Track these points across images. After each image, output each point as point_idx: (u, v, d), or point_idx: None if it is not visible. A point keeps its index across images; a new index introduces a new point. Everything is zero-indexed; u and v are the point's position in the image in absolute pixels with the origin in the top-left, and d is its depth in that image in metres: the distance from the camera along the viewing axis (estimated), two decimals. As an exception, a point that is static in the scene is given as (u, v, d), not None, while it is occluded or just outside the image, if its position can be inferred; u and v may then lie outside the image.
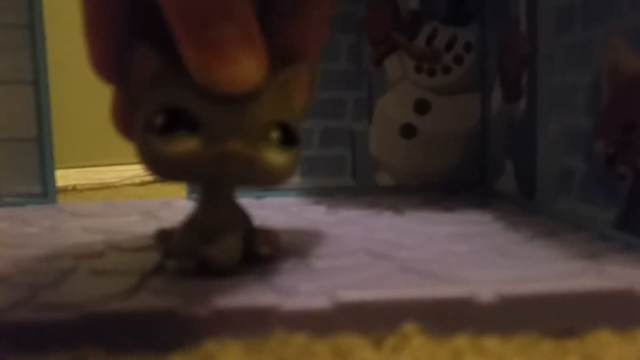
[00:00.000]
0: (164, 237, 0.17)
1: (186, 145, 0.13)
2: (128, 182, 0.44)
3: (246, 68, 0.13)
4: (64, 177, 0.42)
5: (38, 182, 0.30)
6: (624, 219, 0.18)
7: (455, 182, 0.31)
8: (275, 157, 0.14)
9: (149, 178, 0.46)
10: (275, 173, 0.14)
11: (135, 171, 0.48)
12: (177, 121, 0.14)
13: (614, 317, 0.14)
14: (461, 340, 0.13)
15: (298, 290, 0.14)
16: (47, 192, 0.30)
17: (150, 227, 0.23)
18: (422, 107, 0.30)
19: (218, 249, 0.15)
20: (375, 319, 0.14)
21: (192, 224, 0.16)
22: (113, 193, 0.39)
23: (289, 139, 0.15)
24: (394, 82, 0.30)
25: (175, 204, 0.29)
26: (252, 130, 0.14)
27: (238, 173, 0.14)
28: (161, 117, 0.14)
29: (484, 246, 0.18)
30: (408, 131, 0.30)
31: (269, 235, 0.17)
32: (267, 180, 0.15)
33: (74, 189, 0.41)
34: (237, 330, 0.13)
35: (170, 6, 0.13)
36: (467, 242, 0.19)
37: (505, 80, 0.27)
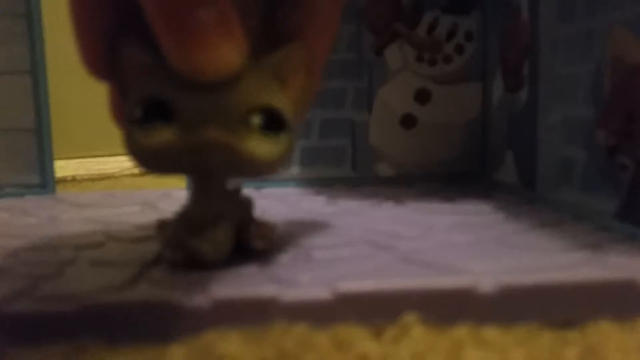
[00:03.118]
0: (162, 227, 0.17)
1: (162, 135, 0.13)
2: (127, 172, 0.44)
3: (223, 54, 0.13)
4: (63, 167, 0.42)
5: (37, 173, 0.30)
6: (626, 210, 0.18)
7: (456, 173, 0.30)
8: (259, 144, 0.14)
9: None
10: (259, 162, 0.14)
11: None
12: (155, 112, 0.14)
13: (615, 308, 0.14)
14: (461, 331, 0.13)
15: (298, 280, 0.14)
16: (46, 183, 0.30)
17: (149, 218, 0.23)
18: (422, 96, 0.30)
19: (206, 242, 0.15)
20: (376, 309, 0.14)
21: (183, 215, 0.16)
22: (112, 183, 0.39)
23: (276, 125, 0.14)
24: (395, 72, 0.30)
25: (175, 194, 0.29)
26: (228, 116, 0.13)
27: (218, 162, 0.14)
28: (139, 108, 0.14)
29: (485, 236, 0.18)
30: (408, 121, 0.30)
31: (263, 228, 0.16)
32: (251, 169, 0.14)
33: (73, 179, 0.41)
34: (237, 321, 0.13)
35: None
36: (467, 233, 0.19)
37: (507, 69, 0.27)
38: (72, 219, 0.23)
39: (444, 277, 0.14)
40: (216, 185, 0.16)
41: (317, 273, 0.15)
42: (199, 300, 0.13)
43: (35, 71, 0.29)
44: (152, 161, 0.14)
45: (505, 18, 0.27)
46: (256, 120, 0.14)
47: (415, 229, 0.20)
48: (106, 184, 0.39)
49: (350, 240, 0.18)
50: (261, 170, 0.14)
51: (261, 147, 0.14)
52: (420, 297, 0.14)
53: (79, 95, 0.54)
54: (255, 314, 0.13)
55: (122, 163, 0.47)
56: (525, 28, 0.24)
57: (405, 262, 0.16)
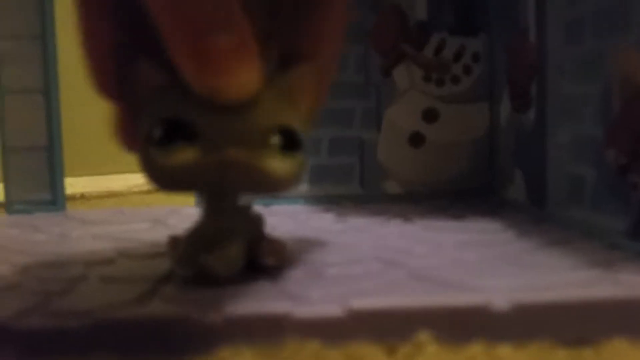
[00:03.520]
0: (174, 244, 0.17)
1: (184, 155, 0.13)
2: (136, 190, 0.44)
3: (242, 77, 0.13)
4: (72, 185, 0.42)
5: (47, 190, 0.30)
6: (636, 228, 0.18)
7: (464, 190, 0.30)
8: (277, 163, 0.14)
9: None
10: (277, 180, 0.14)
11: (143, 179, 0.48)
12: (176, 132, 0.14)
13: (628, 326, 0.14)
14: (475, 349, 0.13)
15: (310, 297, 0.14)
16: (56, 200, 0.30)
17: (159, 235, 0.23)
18: (430, 115, 0.30)
19: (217, 258, 0.15)
20: (389, 327, 0.14)
21: (195, 232, 0.16)
22: (121, 201, 0.40)
23: (291, 144, 0.14)
24: (402, 92, 0.30)
25: (184, 211, 0.29)
26: (250, 136, 0.14)
27: (238, 181, 0.14)
28: (159, 129, 0.14)
29: (496, 254, 0.18)
30: (417, 140, 0.30)
31: (274, 244, 0.16)
32: (270, 188, 0.15)
33: (82, 197, 0.41)
34: (250, 338, 0.13)
35: (163, 18, 0.13)
36: (478, 250, 0.19)
37: (515, 90, 0.27)
38: (83, 235, 0.23)
39: (457, 295, 0.14)
40: (229, 202, 0.16)
41: (329, 290, 0.15)
42: (212, 316, 0.13)
43: (48, 91, 0.30)
44: (173, 181, 0.14)
45: (513, 39, 0.27)
46: (275, 139, 0.14)
47: (425, 247, 0.20)
48: (115, 201, 0.40)
49: (360, 257, 0.18)
50: (279, 188, 0.14)
51: (280, 165, 0.14)
52: (433, 315, 0.14)
53: (87, 113, 0.54)
54: (268, 330, 0.13)
55: (131, 180, 0.47)
56: (532, 50, 0.25)
57: (417, 279, 0.16)
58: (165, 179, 0.14)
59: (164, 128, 0.14)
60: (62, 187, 0.30)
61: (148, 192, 0.44)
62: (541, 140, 0.24)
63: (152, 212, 0.28)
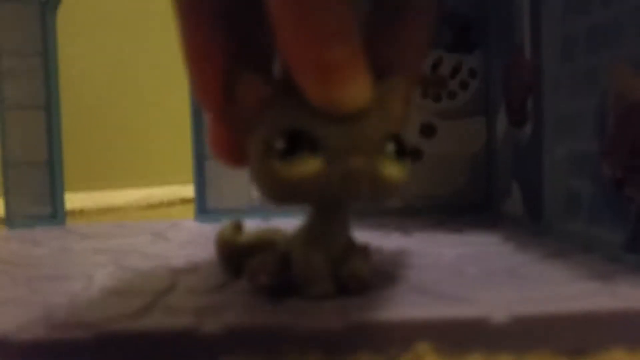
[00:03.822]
0: (263, 269, 0.16)
1: (310, 166, 0.13)
2: (135, 205, 0.44)
3: (358, 88, 0.14)
4: (71, 200, 0.42)
5: (48, 204, 0.30)
6: (634, 241, 0.18)
7: (462, 204, 0.31)
8: (393, 170, 0.14)
9: (156, 201, 0.46)
10: (393, 186, 0.14)
11: (142, 194, 0.48)
12: (297, 144, 0.14)
13: (627, 337, 0.14)
14: (474, 361, 0.13)
15: (310, 309, 0.14)
16: (56, 214, 0.30)
17: (160, 248, 0.23)
18: (427, 131, 0.31)
19: (356, 267, 0.15)
20: (388, 339, 0.14)
21: (317, 247, 0.15)
22: (120, 216, 0.40)
23: (401, 151, 0.15)
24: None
25: (184, 224, 0.29)
26: (370, 145, 0.14)
27: (363, 189, 0.14)
28: (282, 140, 0.14)
29: (494, 268, 0.18)
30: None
31: (366, 253, 0.16)
32: (387, 194, 0.15)
33: (82, 212, 0.41)
34: (251, 349, 0.13)
35: (285, 27, 0.13)
36: (476, 264, 0.19)
37: (511, 106, 0.28)
38: (83, 249, 0.23)
39: (457, 308, 0.14)
40: (344, 211, 0.16)
41: (329, 302, 0.15)
42: (214, 327, 0.13)
43: (50, 106, 0.30)
44: (295, 192, 0.14)
45: (509, 56, 0.28)
46: (391, 147, 0.14)
47: (424, 260, 0.20)
48: (114, 216, 0.40)
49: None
50: (395, 194, 0.15)
51: (396, 172, 0.14)
52: (433, 327, 0.14)
53: (89, 129, 0.55)
54: (268, 342, 0.13)
55: (130, 196, 0.47)
56: (527, 66, 0.25)
57: (417, 292, 0.16)
58: (288, 191, 0.14)
59: (286, 139, 0.14)
60: (62, 202, 0.30)
61: (147, 207, 0.44)
62: (538, 154, 0.24)
63: (152, 226, 0.28)
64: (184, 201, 0.45)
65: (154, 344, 0.13)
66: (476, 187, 0.31)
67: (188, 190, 0.37)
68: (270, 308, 0.15)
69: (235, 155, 0.16)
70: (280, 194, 0.14)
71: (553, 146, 0.23)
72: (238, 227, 0.19)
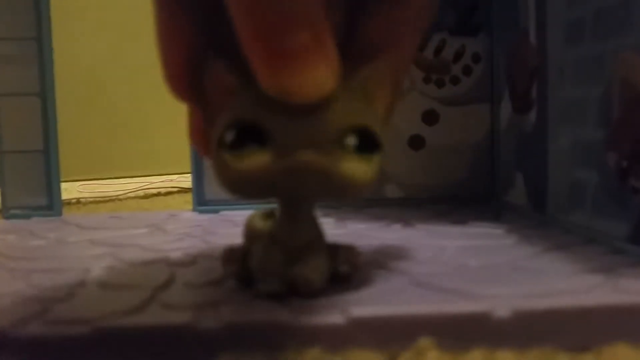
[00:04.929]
0: (232, 257, 0.16)
1: (256, 159, 0.13)
2: (132, 194, 0.44)
3: (318, 77, 0.12)
4: (67, 190, 0.42)
5: (44, 195, 0.30)
6: (637, 233, 0.18)
7: (465, 195, 0.30)
8: (353, 165, 0.13)
9: (153, 191, 0.46)
10: (354, 183, 0.13)
11: (139, 184, 0.48)
12: (248, 136, 0.13)
13: (630, 332, 0.14)
14: (476, 355, 0.13)
15: (311, 305, 0.14)
16: (52, 205, 0.30)
17: (157, 240, 0.23)
18: (430, 118, 0.30)
19: (311, 270, 0.15)
20: (390, 334, 0.13)
21: (275, 244, 0.15)
22: (117, 206, 0.39)
23: (368, 144, 0.13)
24: (402, 93, 0.30)
25: (182, 216, 0.29)
26: (323, 138, 0.13)
27: (313, 185, 0.13)
28: (230, 133, 0.13)
29: (497, 260, 0.18)
30: (416, 142, 0.30)
31: (351, 252, 0.16)
32: (346, 192, 0.14)
33: (78, 202, 0.41)
34: (251, 345, 0.13)
35: (239, 13, 0.12)
36: (479, 257, 0.19)
37: (515, 91, 0.27)
38: (80, 241, 0.23)
39: (459, 302, 0.14)
40: (306, 209, 0.15)
41: (330, 297, 0.15)
42: (212, 323, 0.13)
43: (45, 93, 0.30)
44: (245, 186, 0.14)
45: (513, 40, 0.27)
46: (351, 141, 0.13)
47: (427, 253, 0.19)
48: (111, 206, 0.39)
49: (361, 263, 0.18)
50: (355, 192, 0.14)
51: (357, 168, 0.13)
52: (435, 322, 0.14)
53: (85, 118, 0.54)
54: (268, 338, 0.13)
55: (127, 185, 0.47)
56: (532, 51, 0.25)
57: (419, 286, 0.16)
58: (237, 185, 0.14)
59: (236, 131, 0.13)
60: (58, 192, 0.30)
61: (144, 197, 0.44)
62: (542, 143, 0.24)
63: (149, 217, 0.28)
64: (181, 191, 0.45)
65: (152, 341, 0.13)
66: (479, 176, 0.30)
67: (186, 180, 0.37)
68: (269, 303, 0.14)
69: (206, 145, 0.15)
70: (232, 187, 0.14)
71: (557, 134, 0.23)
72: (267, 215, 0.18)
